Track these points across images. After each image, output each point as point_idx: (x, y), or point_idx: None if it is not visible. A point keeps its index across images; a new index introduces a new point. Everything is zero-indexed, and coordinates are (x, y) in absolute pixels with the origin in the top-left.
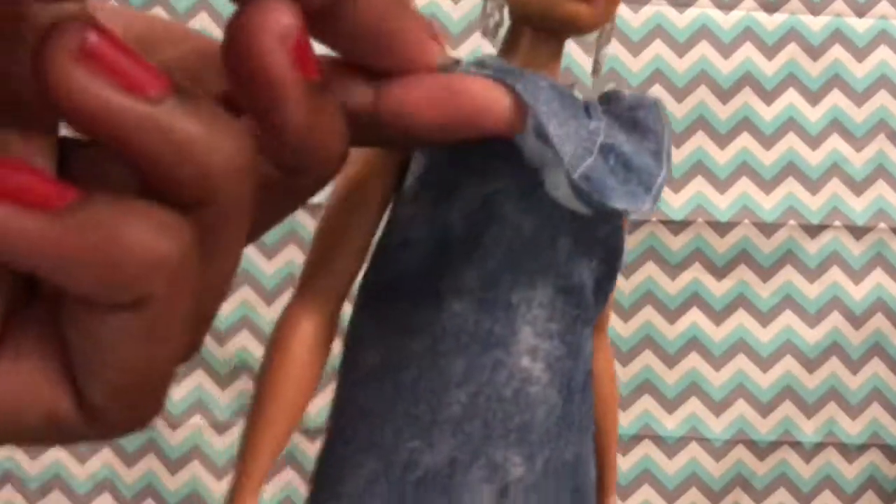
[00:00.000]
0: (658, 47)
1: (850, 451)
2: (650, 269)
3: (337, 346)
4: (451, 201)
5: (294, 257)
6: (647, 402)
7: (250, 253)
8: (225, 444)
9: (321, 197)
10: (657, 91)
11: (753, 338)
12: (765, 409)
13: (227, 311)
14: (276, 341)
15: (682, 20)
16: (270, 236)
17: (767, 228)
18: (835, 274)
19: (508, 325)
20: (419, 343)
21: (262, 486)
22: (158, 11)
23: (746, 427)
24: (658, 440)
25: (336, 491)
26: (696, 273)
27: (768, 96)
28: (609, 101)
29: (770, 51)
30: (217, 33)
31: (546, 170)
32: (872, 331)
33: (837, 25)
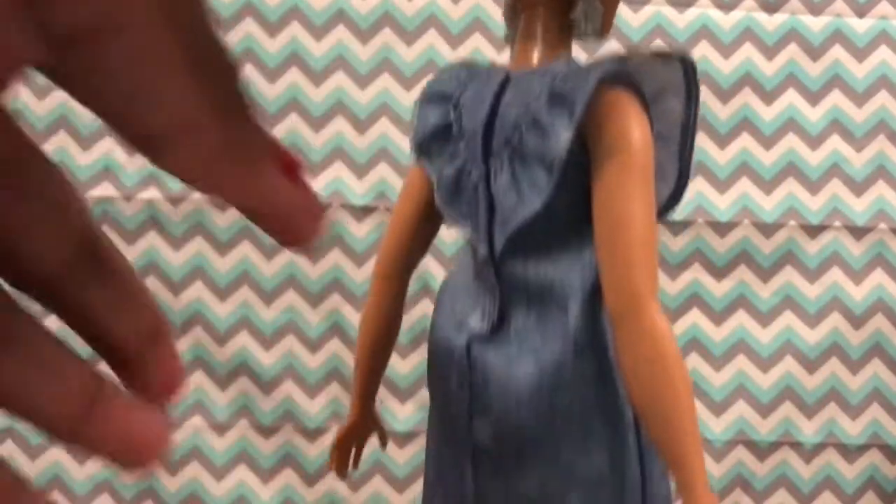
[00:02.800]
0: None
1: (850, 452)
2: None
3: None
4: None
5: (294, 258)
6: None
7: (250, 254)
8: (225, 444)
9: (322, 198)
10: None
11: (753, 338)
12: (765, 410)
13: (227, 311)
14: None
15: (682, 20)
16: (271, 238)
17: (767, 229)
18: (835, 274)
19: None
20: None
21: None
22: None
23: (746, 427)
24: None
25: None
26: (696, 273)
27: (768, 96)
28: None
29: (770, 51)
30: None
31: None
32: (872, 331)
33: (837, 25)
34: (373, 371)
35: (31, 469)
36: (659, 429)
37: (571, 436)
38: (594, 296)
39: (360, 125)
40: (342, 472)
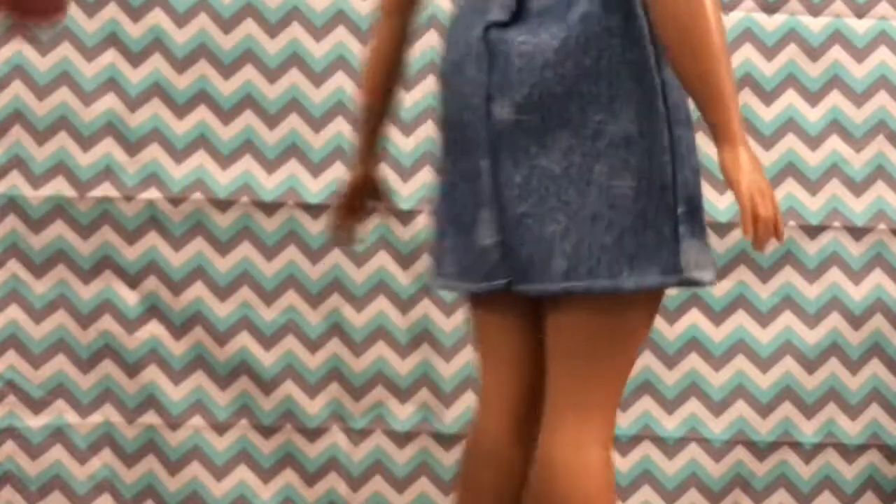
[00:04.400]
0: None
1: (849, 452)
2: None
3: None
4: None
5: (294, 258)
6: (646, 403)
7: (250, 254)
8: (225, 444)
9: (321, 198)
10: None
11: (753, 338)
12: (764, 410)
13: (227, 311)
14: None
15: None
16: (271, 237)
17: None
18: (834, 275)
19: None
20: None
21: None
22: (158, 12)
23: (746, 427)
24: (658, 440)
25: None
26: None
27: (768, 97)
28: None
29: (770, 51)
30: (217, 33)
31: None
32: (872, 331)
33: (837, 26)
34: (380, 114)
35: (31, 469)
36: (692, 66)
37: (598, 98)
38: None
39: None
40: (351, 238)
